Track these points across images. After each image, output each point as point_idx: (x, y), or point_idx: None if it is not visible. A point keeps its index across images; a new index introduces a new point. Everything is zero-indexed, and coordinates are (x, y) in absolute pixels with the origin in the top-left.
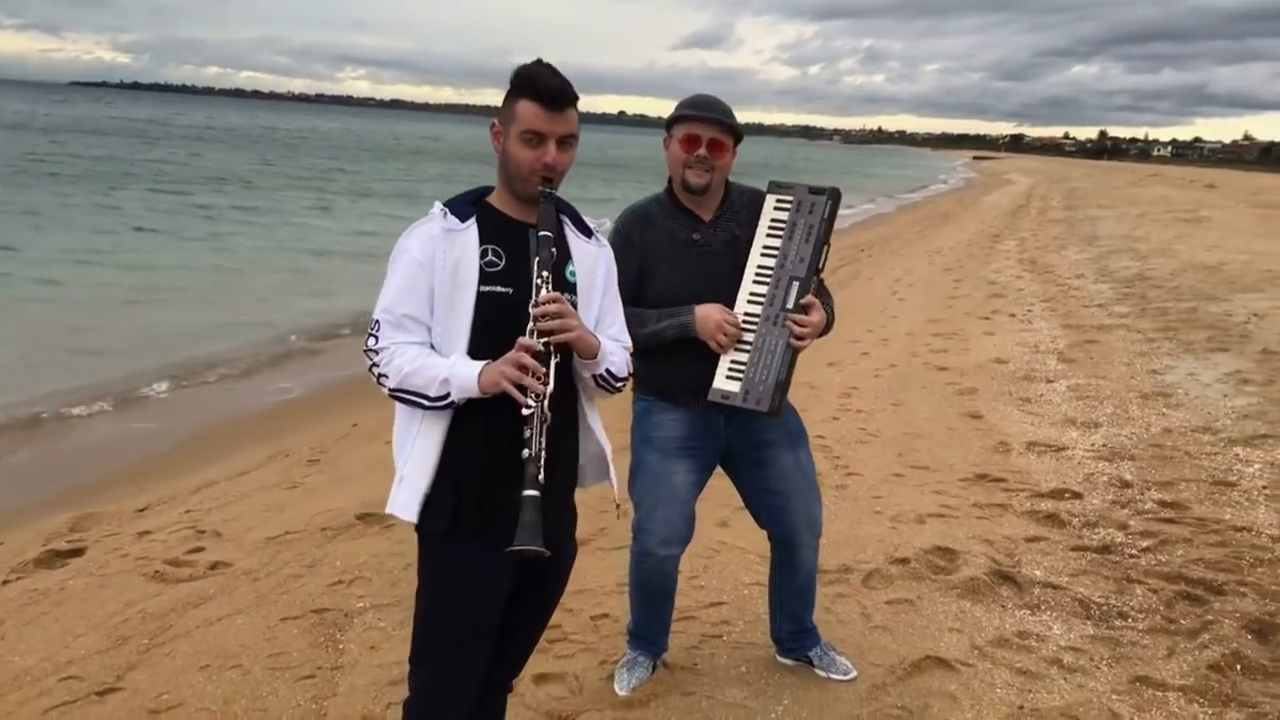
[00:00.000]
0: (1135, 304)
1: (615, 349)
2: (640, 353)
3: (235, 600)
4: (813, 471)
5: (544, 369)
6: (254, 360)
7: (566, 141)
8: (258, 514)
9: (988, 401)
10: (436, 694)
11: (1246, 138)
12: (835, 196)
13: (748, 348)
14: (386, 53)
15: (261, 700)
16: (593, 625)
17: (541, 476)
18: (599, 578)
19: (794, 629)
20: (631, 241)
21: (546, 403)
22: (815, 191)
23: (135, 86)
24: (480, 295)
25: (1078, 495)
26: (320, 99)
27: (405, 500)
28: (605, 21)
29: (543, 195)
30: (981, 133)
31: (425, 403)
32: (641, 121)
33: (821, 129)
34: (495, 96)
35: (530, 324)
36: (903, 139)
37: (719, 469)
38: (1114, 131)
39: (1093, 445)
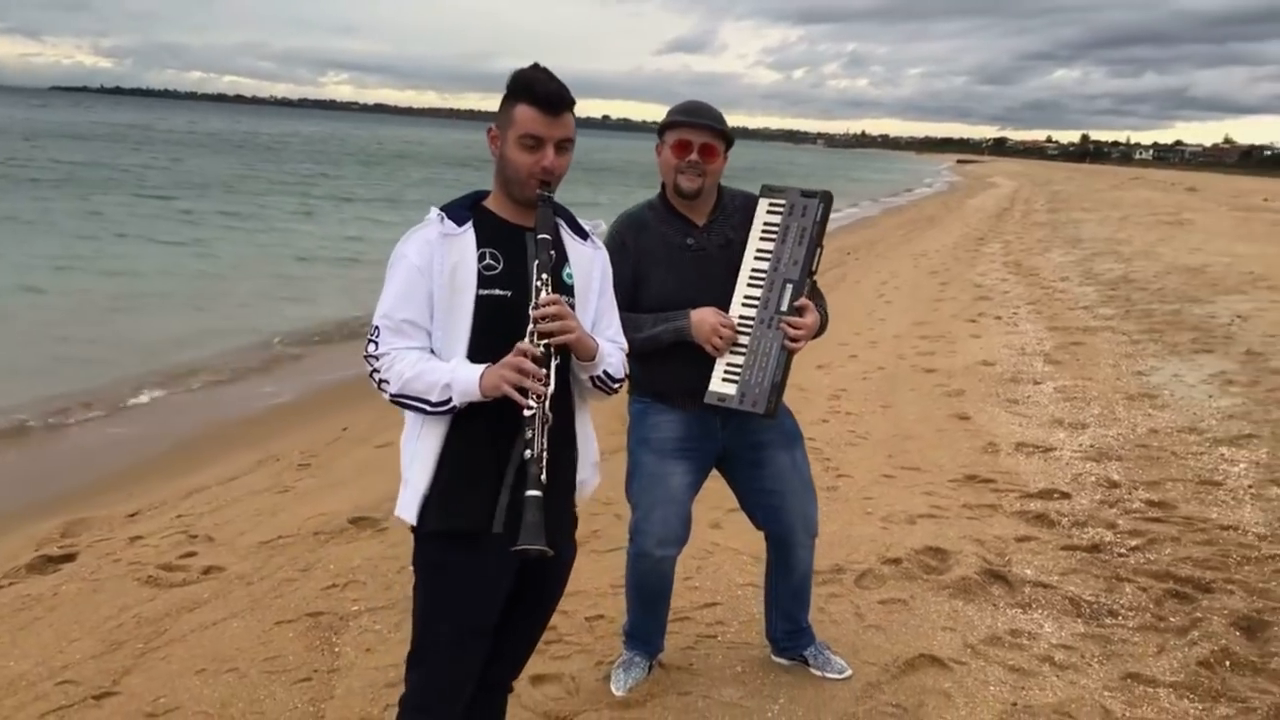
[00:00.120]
0: (1120, 306)
1: (612, 350)
2: (636, 356)
3: (230, 604)
4: (808, 472)
5: (544, 371)
6: (240, 365)
7: (564, 145)
8: (249, 518)
9: (976, 403)
10: (435, 692)
11: (1227, 141)
12: (827, 200)
13: (743, 350)
14: (370, 57)
15: (259, 703)
16: (588, 626)
17: (544, 477)
18: (594, 579)
19: (789, 628)
20: (626, 247)
21: (547, 404)
22: (807, 195)
23: (117, 91)
24: (479, 299)
25: (1066, 495)
26: (303, 103)
27: (406, 501)
28: (589, 26)
29: (541, 199)
30: (965, 136)
31: (427, 408)
32: (626, 126)
33: (806, 133)
34: (479, 101)
35: (530, 326)
36: (886, 143)
37: (714, 471)
38: (1096, 135)
39: (1080, 446)
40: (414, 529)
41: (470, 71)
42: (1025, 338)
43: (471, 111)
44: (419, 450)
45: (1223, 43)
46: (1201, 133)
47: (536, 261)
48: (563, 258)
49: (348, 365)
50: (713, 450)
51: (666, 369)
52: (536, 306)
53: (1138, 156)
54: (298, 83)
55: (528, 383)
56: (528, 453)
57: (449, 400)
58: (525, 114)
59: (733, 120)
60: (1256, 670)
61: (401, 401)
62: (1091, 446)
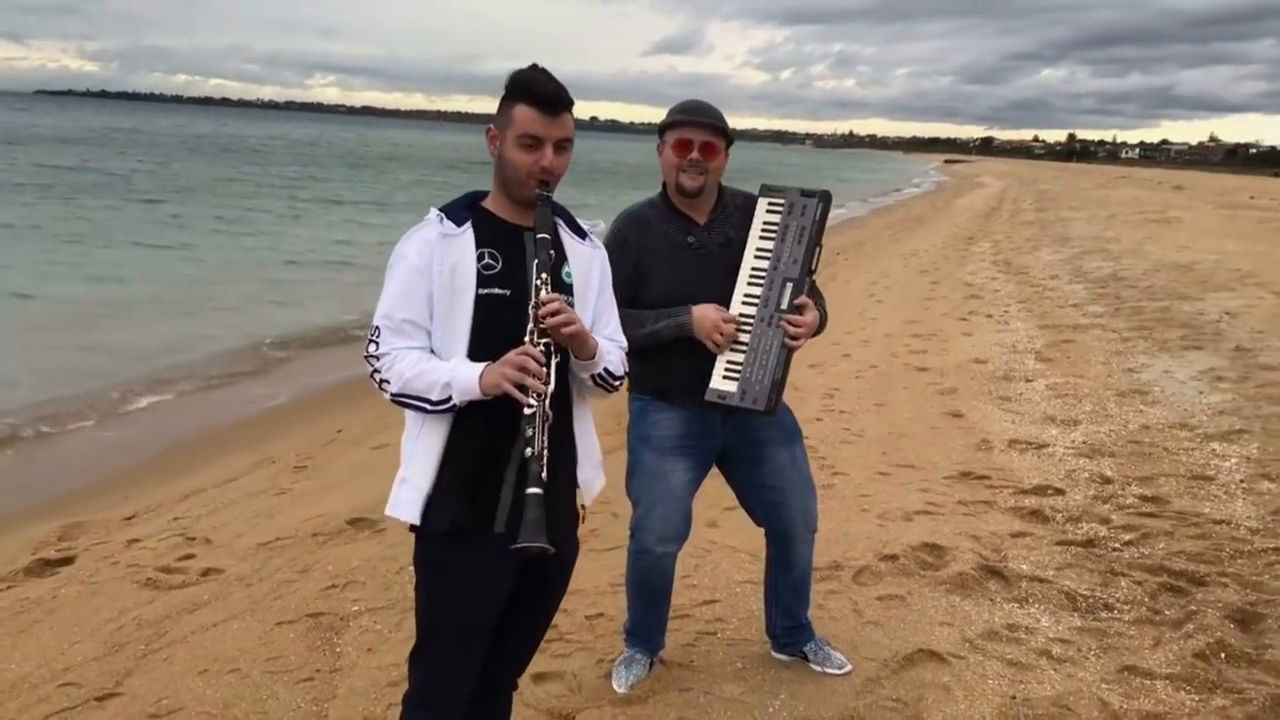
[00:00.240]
0: (1110, 304)
1: (612, 348)
2: (637, 353)
3: (230, 606)
4: (808, 468)
5: (545, 368)
6: (232, 369)
7: (563, 145)
8: (247, 520)
9: (968, 401)
10: (437, 689)
11: (1212, 139)
12: (826, 199)
13: (743, 348)
14: (356, 59)
15: (262, 703)
16: (589, 625)
17: (544, 474)
18: (593, 578)
19: (789, 624)
20: (628, 244)
21: (548, 402)
22: (806, 194)
23: (103, 94)
24: (479, 298)
25: (1060, 491)
26: (290, 106)
27: (407, 501)
28: (576, 27)
29: (540, 198)
30: (952, 136)
31: (428, 407)
32: (614, 127)
33: (794, 133)
34: (466, 103)
35: (530, 325)
36: (874, 143)
37: (712, 470)
38: (1082, 134)
39: (1073, 442)
40: (415, 528)
41: (457, 73)
42: (1016, 336)
43: (459, 113)
44: (420, 450)
45: (1207, 42)
46: (1187, 131)
47: (536, 260)
48: (562, 257)
49: (340, 368)
50: (713, 447)
51: (667, 366)
52: (536, 305)
53: (1124, 155)
54: (284, 85)
55: (528, 380)
56: (528, 451)
57: (449, 399)
58: (524, 114)
59: None
60: (1251, 662)
61: (402, 401)
62: (1084, 443)
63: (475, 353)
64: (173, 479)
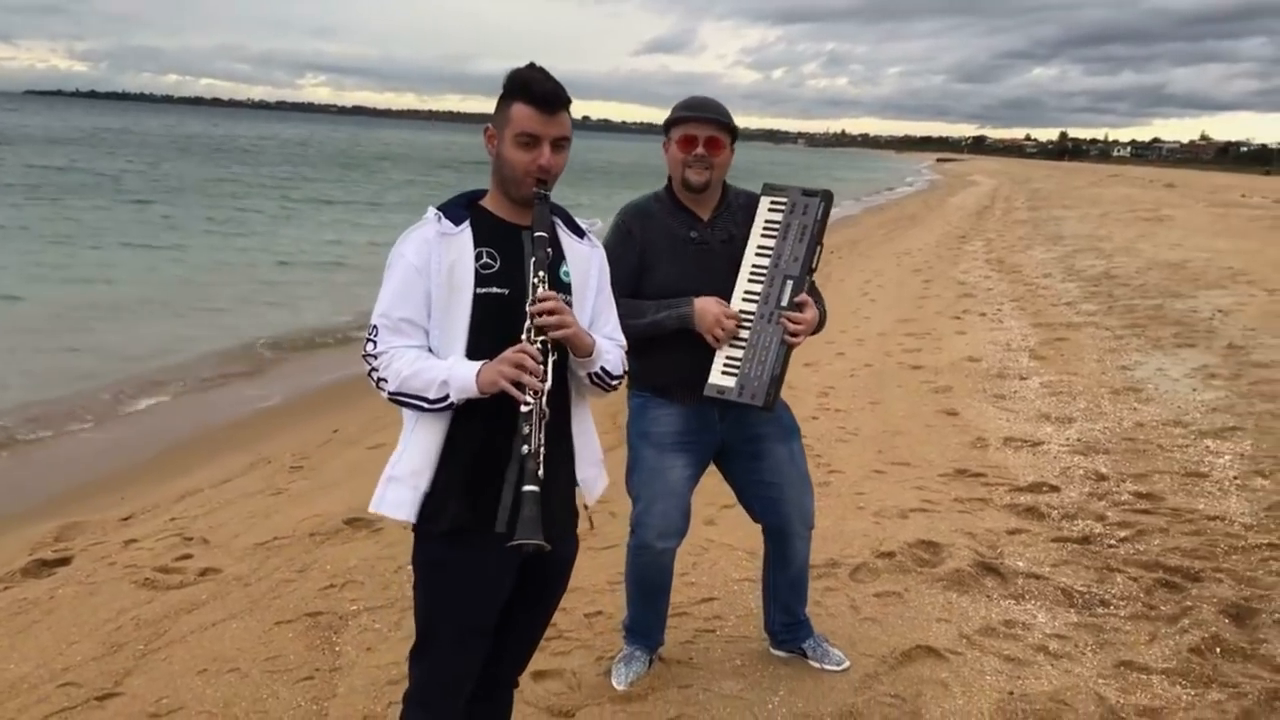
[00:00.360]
0: (1103, 302)
1: (610, 347)
2: (637, 347)
3: (228, 605)
4: (805, 465)
5: (542, 365)
6: (225, 370)
7: (560, 143)
8: (244, 520)
9: (963, 399)
10: (436, 687)
11: (1204, 138)
12: (828, 198)
13: (743, 344)
14: (348, 59)
15: (262, 702)
16: (587, 623)
17: (541, 472)
18: (591, 576)
19: (787, 621)
20: (632, 235)
21: (545, 399)
22: (808, 194)
23: (92, 95)
24: (477, 297)
25: (1055, 488)
26: (281, 106)
27: (399, 499)
28: (568, 27)
29: (537, 197)
30: (944, 135)
31: (425, 405)
32: (606, 126)
33: (786, 132)
34: (458, 103)
35: (527, 323)
36: (866, 142)
37: (711, 465)
38: (1074, 133)
39: (1068, 440)
40: (414, 527)
41: (450, 73)
42: (1010, 334)
43: (451, 113)
44: (416, 448)
45: (1198, 40)
46: (1179, 129)
47: (533, 259)
48: (560, 256)
49: (334, 369)
50: (711, 443)
51: (666, 361)
52: (533, 303)
53: (1116, 154)
54: (275, 85)
55: (525, 378)
56: (525, 448)
57: (446, 397)
58: (522, 112)
59: None
60: (1246, 656)
61: (399, 399)
62: (1079, 440)
63: (473, 352)
64: (169, 480)
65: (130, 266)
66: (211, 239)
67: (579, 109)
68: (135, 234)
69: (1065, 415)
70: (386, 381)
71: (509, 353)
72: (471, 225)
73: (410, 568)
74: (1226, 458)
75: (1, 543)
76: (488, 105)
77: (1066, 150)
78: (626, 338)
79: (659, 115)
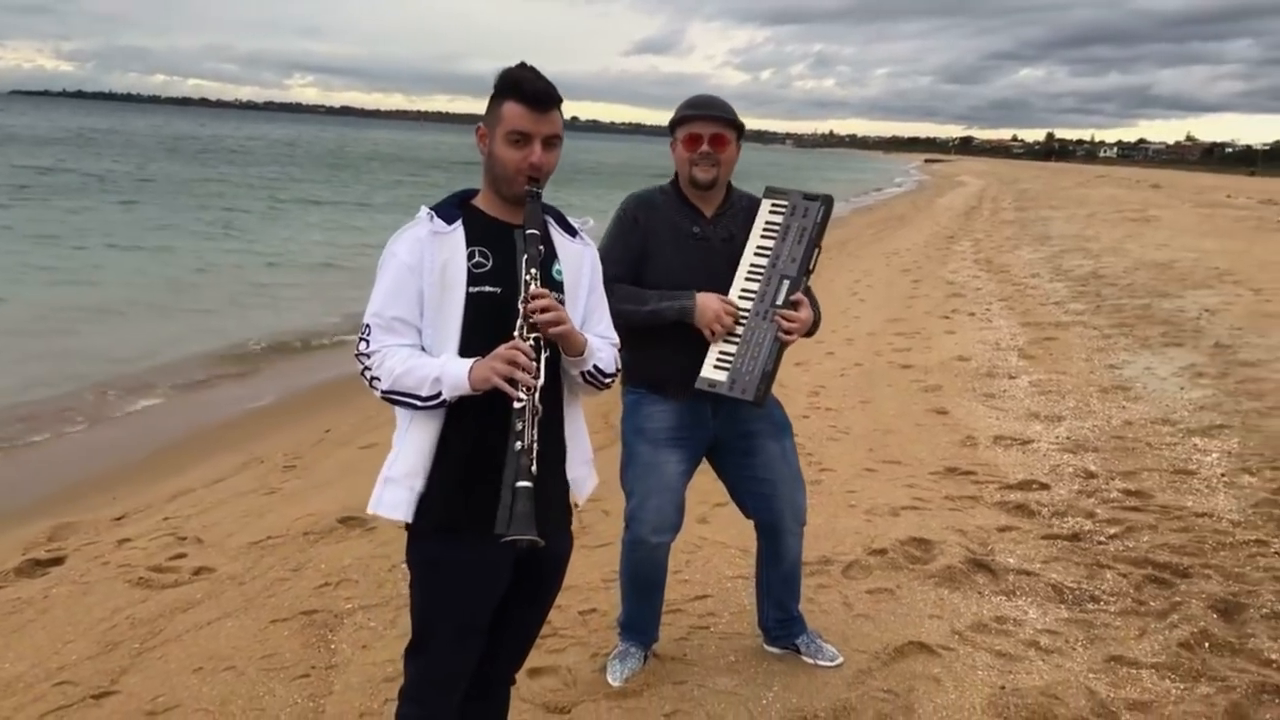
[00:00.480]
0: (1090, 301)
1: (602, 345)
2: (633, 339)
3: (223, 604)
4: (797, 462)
5: (534, 362)
6: (216, 371)
7: (551, 142)
8: (237, 520)
9: (953, 398)
10: (430, 684)
11: (1189, 139)
12: (828, 203)
13: (736, 339)
14: (336, 59)
15: (258, 700)
16: (582, 620)
17: (534, 468)
18: (585, 574)
19: (781, 617)
20: (638, 223)
21: (537, 396)
22: (809, 198)
23: (79, 95)
24: (469, 296)
25: (1045, 486)
26: (269, 106)
27: (396, 500)
28: (557, 27)
29: (529, 195)
30: (932, 135)
31: (418, 403)
32: (595, 127)
33: (774, 133)
34: (447, 103)
35: (520, 320)
36: (854, 142)
37: (704, 463)
38: (1061, 133)
39: (1057, 438)
40: (408, 526)
41: (438, 73)
42: (999, 333)
43: (439, 113)
44: (410, 447)
45: (1184, 42)
46: (1164, 130)
47: (525, 256)
48: (552, 254)
49: (325, 369)
50: (704, 438)
51: (660, 357)
52: (526, 300)
53: (1102, 154)
54: (263, 85)
55: (517, 374)
56: (518, 444)
57: (439, 394)
58: (513, 111)
59: None
60: (1235, 651)
61: (392, 398)
62: (1068, 438)
63: (466, 351)
64: (161, 479)
65: (118, 267)
66: (199, 240)
67: (568, 109)
68: (122, 235)
69: (1054, 414)
70: (379, 380)
71: (502, 349)
72: (464, 224)
73: (405, 566)
74: (1214, 455)
75: None
76: (476, 106)
77: (1053, 151)
78: (626, 325)
79: (648, 116)
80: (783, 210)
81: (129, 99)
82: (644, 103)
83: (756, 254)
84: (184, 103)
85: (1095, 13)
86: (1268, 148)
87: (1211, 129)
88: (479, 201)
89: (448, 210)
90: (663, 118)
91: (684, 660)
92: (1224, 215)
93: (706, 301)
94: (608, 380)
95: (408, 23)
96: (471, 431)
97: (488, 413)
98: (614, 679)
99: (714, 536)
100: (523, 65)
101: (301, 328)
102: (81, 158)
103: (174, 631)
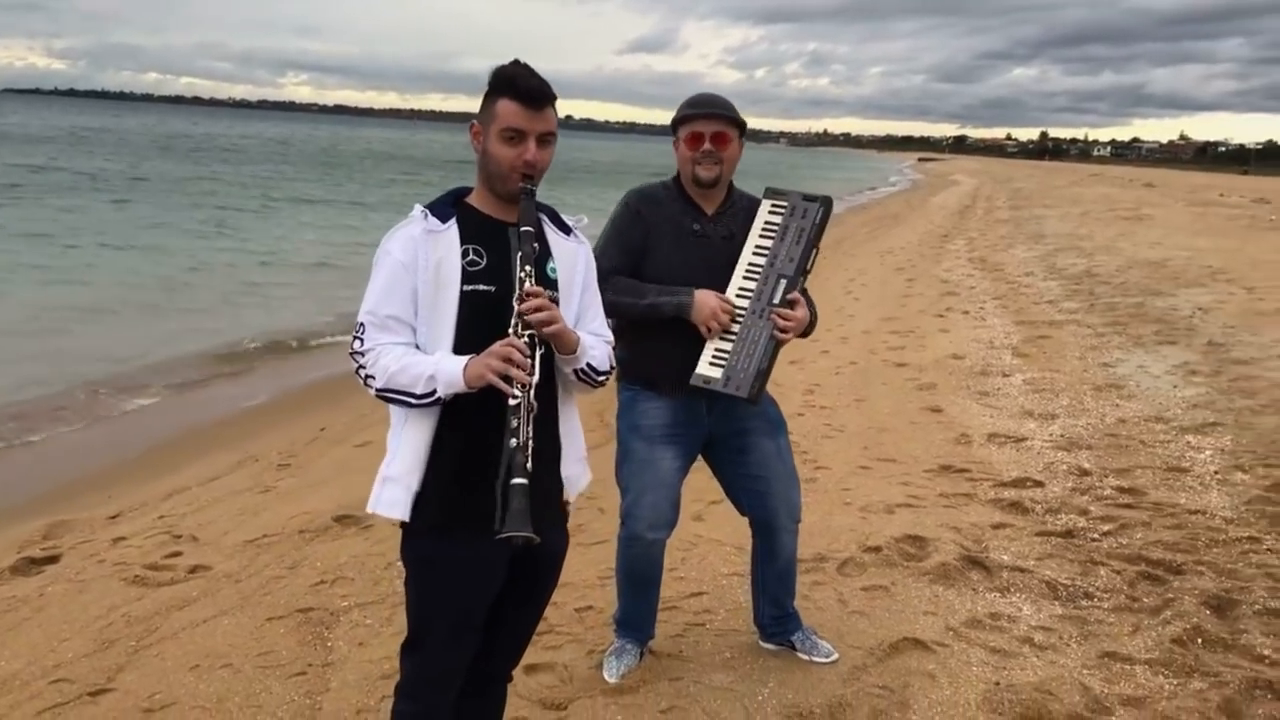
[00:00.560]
0: (1084, 300)
1: (596, 343)
2: (629, 336)
3: (219, 602)
4: (791, 460)
5: (529, 359)
6: (209, 370)
7: (546, 139)
8: (233, 518)
9: (947, 396)
10: (425, 681)
11: (1183, 138)
12: (827, 204)
13: (733, 337)
14: (329, 58)
15: (255, 697)
16: (578, 617)
17: (529, 465)
18: (581, 572)
19: (776, 614)
20: (640, 216)
21: (532, 393)
22: (809, 199)
23: (71, 93)
24: (464, 294)
25: (1039, 483)
26: (262, 105)
27: (394, 499)
28: (550, 26)
29: (524, 192)
30: (925, 134)
31: (412, 401)
32: (589, 126)
33: (768, 132)
34: (440, 102)
35: (515, 317)
36: (848, 141)
37: (699, 461)
38: (1055, 132)
39: (1051, 436)
40: (403, 524)
41: (432, 72)
42: (993, 332)
43: (433, 112)
44: (405, 446)
45: (1177, 41)
46: (1158, 129)
47: (520, 253)
48: (546, 252)
49: (318, 368)
50: (699, 435)
51: (656, 353)
52: (520, 298)
53: (1096, 153)
54: (257, 84)
55: (512, 371)
56: (513, 441)
57: (434, 392)
58: (507, 108)
59: None
60: (1227, 646)
61: (387, 396)
62: (1062, 436)
63: (460, 349)
64: (156, 478)
65: (110, 266)
66: (192, 239)
67: (561, 108)
68: (115, 233)
69: (1048, 412)
70: (374, 378)
71: (496, 346)
72: (458, 222)
73: (401, 564)
74: (1207, 453)
75: None
76: (470, 104)
77: (1047, 150)
78: (623, 317)
79: (642, 115)
80: (782, 211)
81: (122, 97)
82: (638, 101)
83: (755, 253)
84: (177, 101)
85: (1089, 12)
86: (1260, 147)
87: (1205, 128)
88: (473, 199)
89: (442, 208)
90: (657, 117)
91: (680, 657)
92: (1217, 214)
93: (704, 298)
94: (601, 378)
95: (401, 22)
96: (466, 430)
97: (482, 410)
98: (610, 676)
99: (709, 534)
100: (517, 63)
101: (295, 327)
102: (74, 156)
103: (170, 629)
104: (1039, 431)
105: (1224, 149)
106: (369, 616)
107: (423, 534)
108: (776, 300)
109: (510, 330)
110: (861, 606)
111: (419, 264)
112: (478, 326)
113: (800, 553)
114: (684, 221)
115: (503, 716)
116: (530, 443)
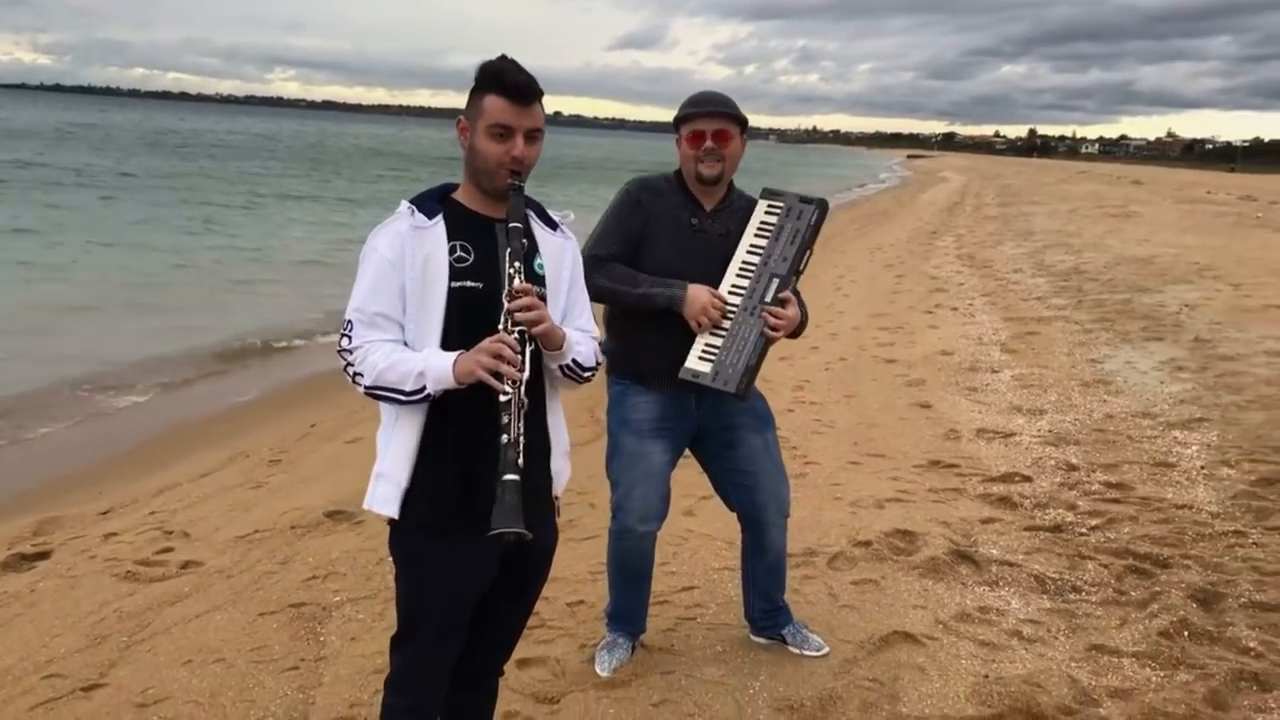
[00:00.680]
0: (1072, 296)
1: (582, 339)
2: (620, 328)
3: (211, 597)
4: (780, 455)
5: (519, 355)
6: (199, 367)
7: (533, 135)
8: (224, 514)
9: (936, 391)
10: (413, 675)
11: (1170, 135)
12: (823, 207)
13: (723, 333)
14: (317, 54)
15: (248, 692)
16: (570, 612)
17: (521, 461)
18: (572, 566)
19: (766, 608)
20: (641, 205)
21: (523, 389)
22: (805, 201)
23: (57, 89)
24: (451, 291)
25: (1028, 478)
26: (249, 100)
27: (385, 495)
28: (540, 22)
29: (511, 188)
30: (914, 131)
31: (402, 398)
32: (577, 122)
33: (758, 129)
34: (429, 98)
35: (504, 314)
36: (837, 138)
37: (688, 456)
38: (1043, 129)
39: (1039, 431)
40: (392, 521)
41: (420, 68)
42: (981, 328)
43: (421, 108)
44: (395, 443)
45: (1165, 39)
46: (1146, 127)
47: (508, 249)
48: (533, 248)
49: (307, 364)
50: (688, 429)
51: (647, 346)
52: (510, 295)
53: (1084, 151)
54: (244, 79)
55: (503, 367)
56: (504, 437)
57: (423, 389)
58: (494, 104)
59: None
60: (1213, 639)
61: (376, 393)
62: (1050, 431)
63: (448, 345)
64: (147, 474)
65: (97, 263)
66: (180, 235)
67: (550, 104)
68: (102, 230)
69: (1036, 407)
70: (363, 376)
71: (486, 342)
72: (445, 218)
73: (391, 558)
74: (1194, 448)
75: None
76: (459, 101)
77: (1035, 147)
78: (615, 305)
79: (631, 111)
80: (778, 211)
81: (108, 92)
82: (627, 98)
83: (749, 252)
84: (163, 96)
85: (1077, 9)
86: (1247, 144)
87: (1192, 125)
88: (460, 195)
89: (428, 204)
90: (646, 113)
91: (671, 650)
92: (1204, 211)
93: (696, 293)
94: (587, 374)
95: (390, 18)
96: (456, 426)
97: (472, 407)
98: (602, 669)
99: (700, 529)
100: (504, 58)
101: (284, 323)
102: (60, 152)
103: (162, 624)
104: (1027, 427)
105: (1211, 146)
106: (361, 611)
107: (412, 530)
108: (769, 299)
109: (500, 326)
110: (851, 600)
111: (406, 260)
112: (465, 323)
113: (790, 547)
114: (683, 215)
115: (494, 711)
116: (521, 439)
